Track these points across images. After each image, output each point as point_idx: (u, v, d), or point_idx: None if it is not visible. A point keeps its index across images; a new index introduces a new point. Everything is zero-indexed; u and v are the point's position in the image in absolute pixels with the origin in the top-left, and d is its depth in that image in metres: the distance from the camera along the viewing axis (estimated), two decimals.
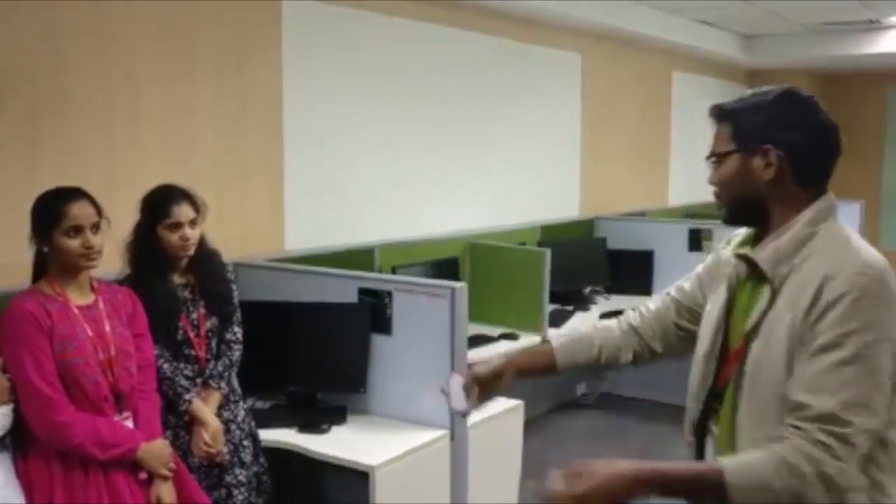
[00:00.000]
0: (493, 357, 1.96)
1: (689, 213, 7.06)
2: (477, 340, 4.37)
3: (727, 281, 1.66)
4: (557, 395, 5.80)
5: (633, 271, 5.87)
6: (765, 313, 1.53)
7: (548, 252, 4.68)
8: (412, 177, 4.82)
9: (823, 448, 1.35)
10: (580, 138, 6.33)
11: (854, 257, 1.47)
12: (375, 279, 3.37)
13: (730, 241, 1.76)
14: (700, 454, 1.69)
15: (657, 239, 5.94)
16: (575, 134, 6.28)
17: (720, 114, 1.64)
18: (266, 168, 3.98)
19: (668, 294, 1.93)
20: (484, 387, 1.90)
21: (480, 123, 5.32)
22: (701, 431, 1.69)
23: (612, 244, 5.96)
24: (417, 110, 4.84)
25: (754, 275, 1.59)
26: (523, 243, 5.28)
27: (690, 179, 7.92)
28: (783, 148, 1.55)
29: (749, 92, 1.65)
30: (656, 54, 7.16)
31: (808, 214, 1.55)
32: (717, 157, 1.63)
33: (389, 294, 3.20)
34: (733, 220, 1.67)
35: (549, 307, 4.78)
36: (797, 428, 1.39)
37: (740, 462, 1.42)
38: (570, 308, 5.25)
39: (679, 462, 1.50)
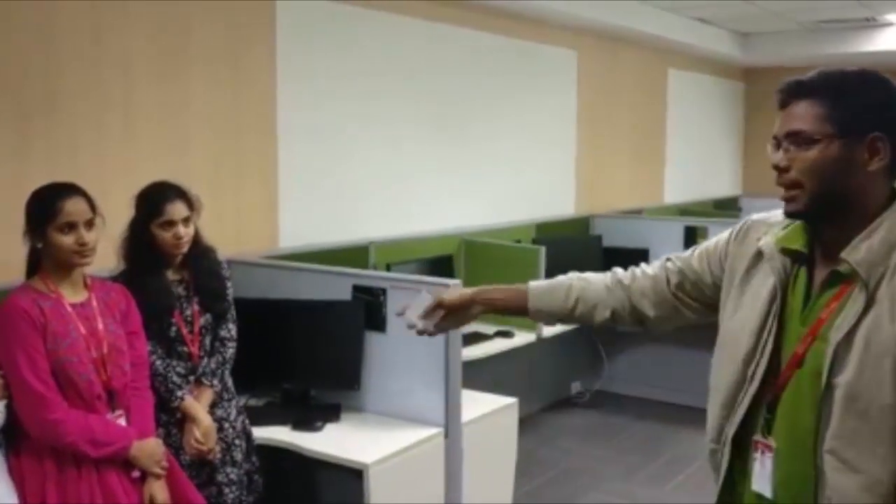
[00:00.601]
0: (465, 288, 1.94)
1: (685, 210, 7.07)
2: (472, 338, 4.38)
3: (775, 276, 1.51)
4: (552, 393, 5.80)
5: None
6: (859, 321, 1.39)
7: (543, 250, 4.68)
8: (407, 174, 4.82)
9: None
10: (576, 135, 6.33)
11: None
12: (370, 276, 3.37)
13: (766, 230, 1.58)
14: (732, 464, 1.56)
15: (652, 237, 5.94)
16: (570, 131, 6.28)
17: (803, 90, 1.46)
18: (261, 165, 3.98)
19: (669, 261, 1.77)
20: (450, 312, 1.86)
21: (476, 120, 5.31)
22: (738, 441, 1.54)
23: (608, 242, 5.97)
24: (412, 107, 4.83)
25: (832, 274, 1.45)
26: (518, 241, 5.28)
27: (686, 177, 7.93)
28: (892, 137, 1.41)
29: (818, 71, 1.48)
30: (652, 52, 7.16)
31: None
32: (807, 138, 1.43)
33: (384, 291, 3.20)
34: (810, 213, 1.46)
35: None
36: None
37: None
38: None
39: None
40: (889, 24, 7.27)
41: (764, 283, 1.53)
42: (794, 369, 1.45)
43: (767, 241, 1.55)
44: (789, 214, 1.49)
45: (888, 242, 1.40)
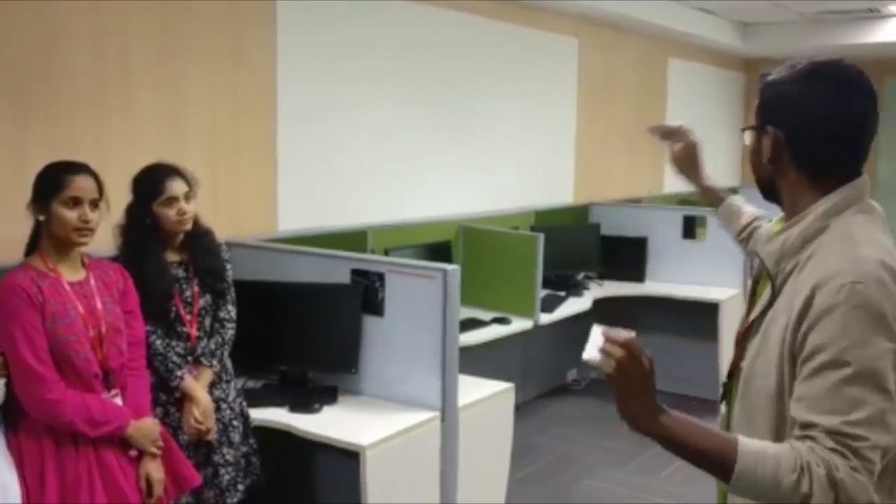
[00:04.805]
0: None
1: (684, 200, 7.07)
2: (469, 324, 4.39)
3: (760, 260, 1.59)
4: (548, 380, 5.82)
5: (626, 258, 5.87)
6: (765, 311, 1.47)
7: (541, 237, 4.69)
8: (407, 159, 4.81)
9: (840, 455, 1.25)
10: (575, 123, 6.32)
11: (852, 262, 1.35)
12: (368, 261, 3.37)
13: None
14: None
15: (651, 226, 5.94)
16: (570, 119, 6.28)
17: (761, 84, 1.56)
18: (260, 149, 3.97)
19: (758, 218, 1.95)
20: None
21: (476, 106, 5.30)
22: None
23: (606, 230, 5.97)
24: (413, 93, 4.82)
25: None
26: (517, 228, 5.28)
27: None
28: (785, 130, 1.46)
29: (797, 61, 1.52)
30: (653, 41, 7.14)
31: (823, 205, 1.43)
32: (749, 128, 1.56)
33: (382, 276, 3.21)
34: (766, 198, 1.58)
35: (542, 292, 4.79)
36: (809, 438, 1.28)
37: (758, 448, 1.29)
38: (563, 293, 5.26)
39: (706, 430, 1.34)
40: (892, 15, 7.25)
41: (757, 263, 1.62)
42: (739, 349, 1.55)
43: (770, 224, 1.67)
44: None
45: (804, 237, 1.43)
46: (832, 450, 1.26)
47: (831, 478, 1.24)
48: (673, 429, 1.32)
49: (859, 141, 1.46)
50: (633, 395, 1.31)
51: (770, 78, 1.53)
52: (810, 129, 1.45)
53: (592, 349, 1.34)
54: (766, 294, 1.48)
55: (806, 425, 1.29)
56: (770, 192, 1.54)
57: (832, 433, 1.26)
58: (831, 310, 1.31)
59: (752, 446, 1.29)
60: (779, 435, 1.40)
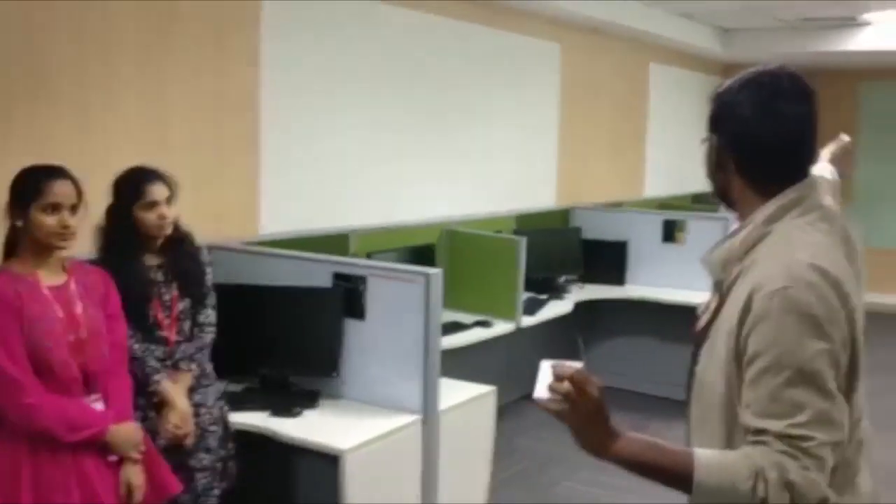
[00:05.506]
0: None
1: (664, 204, 7.12)
2: (451, 327, 4.39)
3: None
4: (530, 383, 5.79)
5: (607, 261, 5.91)
6: (713, 318, 1.49)
7: (523, 240, 4.70)
8: (391, 163, 4.82)
9: (789, 457, 1.28)
10: (558, 128, 6.35)
11: (785, 266, 1.37)
12: (350, 264, 3.37)
13: None
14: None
15: (632, 229, 5.98)
16: (553, 123, 6.30)
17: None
18: (242, 151, 3.96)
19: None
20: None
21: (459, 111, 5.32)
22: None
23: (587, 234, 6.00)
24: (396, 96, 4.83)
25: None
26: (500, 231, 5.30)
27: (666, 171, 7.98)
28: (726, 139, 1.50)
29: (744, 71, 1.56)
30: (635, 45, 7.19)
31: (765, 212, 1.46)
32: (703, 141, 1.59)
33: (364, 279, 3.21)
34: (722, 203, 1.61)
35: (524, 295, 4.81)
36: (762, 443, 1.31)
37: (714, 457, 1.33)
38: (545, 296, 5.28)
39: (662, 447, 1.37)
40: (867, 24, 7.35)
41: None
42: (693, 356, 1.57)
43: None
44: None
45: (746, 244, 1.46)
46: (783, 452, 1.29)
47: (784, 480, 1.27)
48: (629, 451, 1.36)
49: (798, 145, 1.49)
50: (586, 426, 1.34)
51: (717, 89, 1.57)
52: (747, 136, 1.48)
53: (542, 388, 1.36)
54: (714, 301, 1.51)
55: (757, 431, 1.32)
56: (725, 199, 1.57)
57: (781, 437, 1.30)
58: (766, 315, 1.34)
59: (707, 458, 1.32)
60: (731, 439, 1.42)
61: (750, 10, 6.93)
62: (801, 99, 1.48)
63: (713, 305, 1.51)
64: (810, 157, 1.51)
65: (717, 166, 1.54)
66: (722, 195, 1.57)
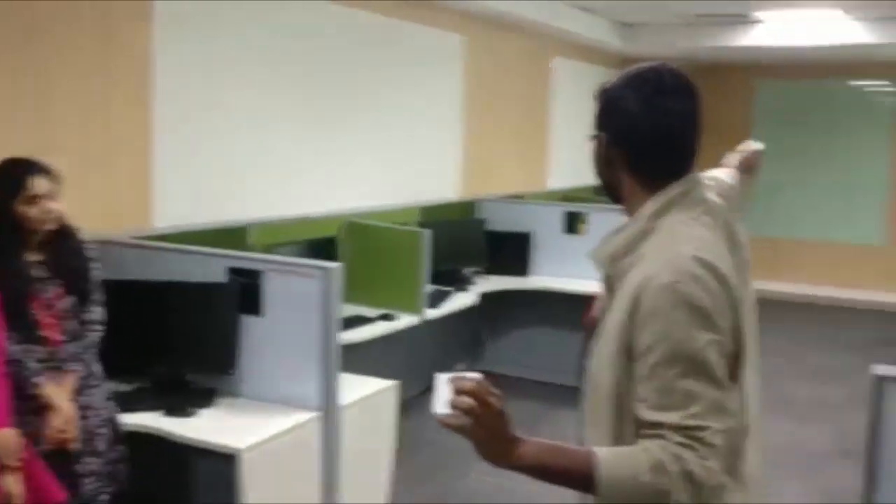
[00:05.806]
0: None
1: (566, 196, 7.22)
2: (354, 321, 4.34)
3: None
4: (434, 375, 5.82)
5: (511, 252, 5.97)
6: (604, 312, 1.51)
7: (428, 233, 4.69)
8: (290, 154, 4.71)
9: (687, 448, 1.31)
10: (462, 120, 6.35)
11: (670, 261, 1.39)
12: (246, 258, 3.28)
13: None
14: None
15: (535, 221, 6.06)
16: (456, 115, 6.30)
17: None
18: (133, 141, 3.80)
19: None
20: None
21: (360, 102, 5.25)
22: None
23: (491, 226, 6.04)
24: (295, 87, 4.73)
25: None
26: (404, 223, 5.27)
27: (569, 164, 8.09)
28: (612, 135, 1.53)
29: (629, 69, 1.56)
30: (537, 39, 7.26)
31: (650, 207, 1.48)
32: (590, 135, 1.59)
33: (261, 274, 3.13)
34: (611, 200, 1.62)
35: (429, 288, 4.80)
36: (659, 436, 1.33)
37: (613, 454, 1.34)
38: (450, 289, 5.28)
39: (562, 449, 1.37)
40: (758, 21, 7.62)
41: None
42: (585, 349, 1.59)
43: None
44: None
45: (632, 237, 1.49)
46: (680, 444, 1.31)
47: (684, 470, 1.30)
48: (531, 456, 1.35)
49: (681, 140, 1.51)
50: (488, 439, 1.33)
51: (602, 86, 1.58)
52: (632, 132, 1.50)
53: (441, 404, 1.31)
54: (605, 296, 1.53)
55: (653, 424, 1.34)
56: (614, 196, 1.59)
57: (678, 429, 1.32)
58: (655, 310, 1.36)
59: (606, 454, 1.33)
60: (619, 432, 1.44)
61: (647, 6, 7.10)
62: (684, 95, 1.51)
63: (604, 301, 1.53)
64: (693, 152, 1.53)
65: (605, 162, 1.56)
66: (609, 191, 1.59)
